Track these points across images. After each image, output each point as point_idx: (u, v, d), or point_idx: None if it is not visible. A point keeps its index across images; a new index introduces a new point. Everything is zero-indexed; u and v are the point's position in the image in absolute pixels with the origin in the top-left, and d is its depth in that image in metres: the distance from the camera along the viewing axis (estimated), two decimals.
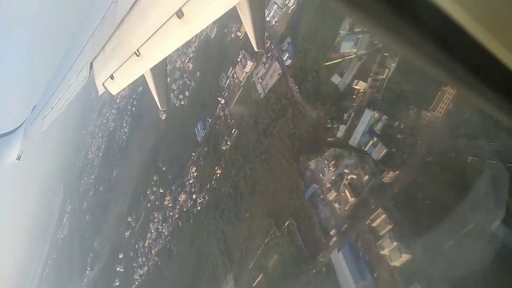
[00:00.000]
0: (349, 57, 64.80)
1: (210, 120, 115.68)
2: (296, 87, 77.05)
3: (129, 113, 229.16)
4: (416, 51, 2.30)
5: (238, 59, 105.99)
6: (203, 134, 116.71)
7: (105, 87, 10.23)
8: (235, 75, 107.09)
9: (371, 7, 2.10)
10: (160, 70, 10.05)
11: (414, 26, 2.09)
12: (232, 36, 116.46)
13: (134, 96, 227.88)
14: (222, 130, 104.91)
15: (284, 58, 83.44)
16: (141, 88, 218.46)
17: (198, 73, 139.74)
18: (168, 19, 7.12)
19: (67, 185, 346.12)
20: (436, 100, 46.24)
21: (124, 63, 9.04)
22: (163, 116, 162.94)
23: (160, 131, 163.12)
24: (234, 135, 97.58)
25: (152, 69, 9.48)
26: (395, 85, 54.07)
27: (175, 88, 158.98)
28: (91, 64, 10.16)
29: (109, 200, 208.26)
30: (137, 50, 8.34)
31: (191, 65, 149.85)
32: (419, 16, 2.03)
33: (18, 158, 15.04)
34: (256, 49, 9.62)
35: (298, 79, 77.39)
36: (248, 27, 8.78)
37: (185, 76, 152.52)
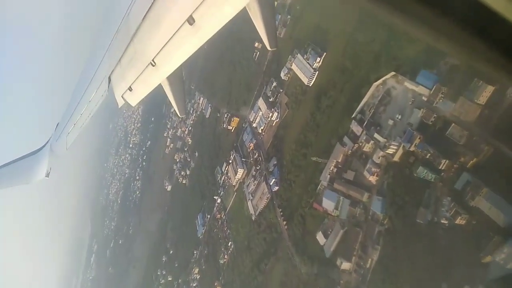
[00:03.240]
0: (332, 215, 60.58)
1: (208, 217, 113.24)
2: (285, 222, 73.42)
3: (140, 165, 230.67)
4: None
5: (230, 161, 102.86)
6: (203, 231, 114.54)
7: (124, 99, 10.15)
8: (229, 174, 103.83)
9: None
10: (176, 78, 9.93)
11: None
12: (224, 126, 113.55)
13: (143, 149, 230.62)
14: (220, 237, 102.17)
15: (271, 183, 79.29)
16: (149, 142, 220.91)
17: (197, 153, 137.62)
18: (180, 27, 7.09)
19: (93, 219, 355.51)
20: None
21: (141, 74, 8.97)
22: (169, 188, 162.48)
23: (166, 204, 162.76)
24: (231, 249, 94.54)
25: (168, 78, 9.38)
26: (380, 283, 49.16)
27: (177, 159, 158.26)
28: (109, 78, 10.13)
29: (128, 261, 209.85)
30: (153, 60, 8.26)
31: (190, 140, 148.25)
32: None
33: (47, 175, 15.17)
34: (269, 48, 9.39)
35: (285, 213, 73.88)
36: (259, 27, 8.64)
37: (185, 149, 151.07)
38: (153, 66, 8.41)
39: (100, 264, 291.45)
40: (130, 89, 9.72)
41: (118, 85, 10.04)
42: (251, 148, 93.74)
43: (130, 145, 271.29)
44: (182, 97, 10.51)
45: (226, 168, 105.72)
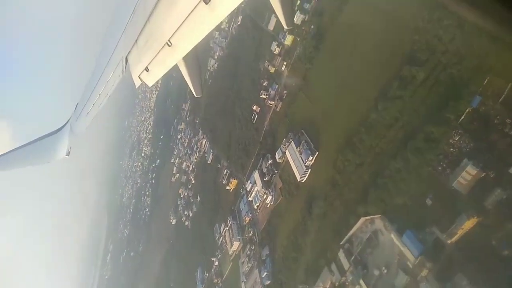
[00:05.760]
0: None
1: (207, 275, 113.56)
2: None
3: (150, 182, 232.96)
4: None
5: (227, 227, 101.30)
6: None
7: (141, 80, 10.23)
8: (226, 238, 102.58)
9: None
10: (192, 59, 9.99)
11: None
12: (223, 182, 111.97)
13: (153, 166, 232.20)
14: None
15: (263, 276, 77.59)
16: (158, 161, 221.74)
17: (199, 198, 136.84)
18: (195, 6, 7.07)
19: (109, 215, 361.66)
20: None
21: (157, 55, 9.01)
22: (173, 221, 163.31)
23: (171, 237, 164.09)
24: None
25: (184, 58, 9.41)
26: None
27: (181, 194, 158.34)
28: (126, 58, 10.21)
29: (138, 280, 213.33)
30: (169, 40, 8.28)
31: (193, 180, 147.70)
32: None
33: (68, 154, 15.56)
34: (285, 27, 9.32)
35: None
36: (276, 8, 8.73)
37: (189, 187, 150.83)
38: (169, 46, 8.37)
39: (114, 267, 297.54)
40: (146, 69, 9.73)
41: (135, 66, 10.06)
42: (247, 221, 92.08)
43: (142, 154, 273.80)
44: (198, 77, 10.51)
45: (224, 231, 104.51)
